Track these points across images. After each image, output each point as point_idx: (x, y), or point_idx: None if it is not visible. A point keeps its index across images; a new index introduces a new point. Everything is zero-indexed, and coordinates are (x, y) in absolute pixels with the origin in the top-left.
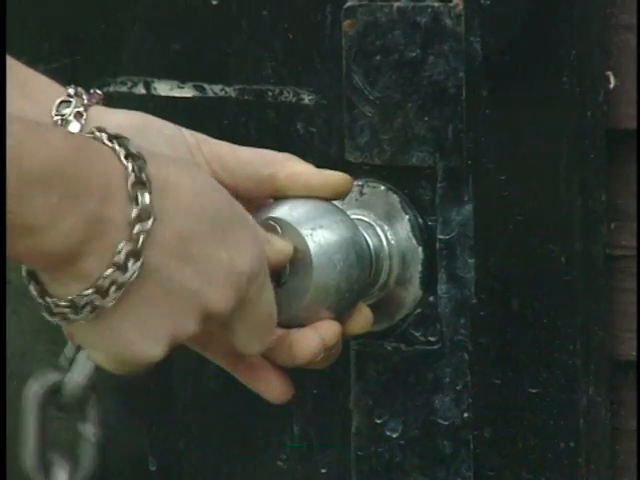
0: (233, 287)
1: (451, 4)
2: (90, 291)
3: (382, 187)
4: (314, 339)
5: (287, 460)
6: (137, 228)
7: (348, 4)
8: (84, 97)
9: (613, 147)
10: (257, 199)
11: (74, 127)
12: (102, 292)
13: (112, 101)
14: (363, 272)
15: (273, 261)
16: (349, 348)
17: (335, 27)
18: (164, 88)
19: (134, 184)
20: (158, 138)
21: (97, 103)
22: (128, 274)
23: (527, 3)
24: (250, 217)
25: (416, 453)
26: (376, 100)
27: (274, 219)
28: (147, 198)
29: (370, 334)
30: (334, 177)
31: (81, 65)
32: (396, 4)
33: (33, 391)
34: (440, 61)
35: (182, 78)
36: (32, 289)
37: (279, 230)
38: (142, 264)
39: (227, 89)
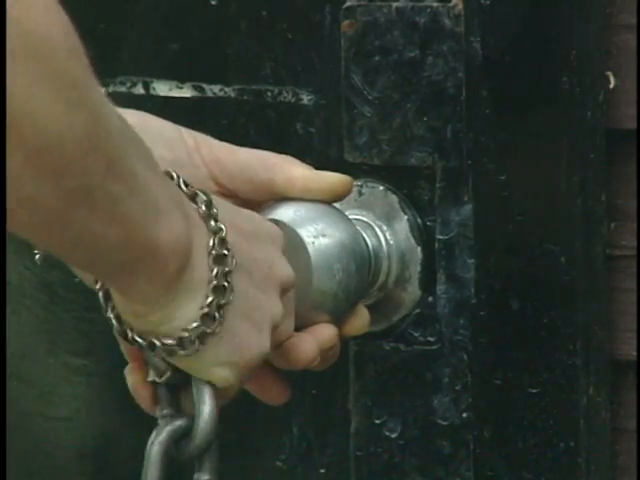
0: (274, 258)
1: (450, 4)
2: (208, 302)
3: (381, 187)
4: (310, 344)
5: (286, 460)
6: (212, 224)
7: (347, 4)
8: None
9: (613, 147)
10: (256, 202)
11: None
12: (219, 292)
13: (111, 101)
14: (362, 281)
15: None
16: (348, 348)
17: (334, 27)
18: (163, 88)
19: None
20: (157, 140)
21: None
22: (228, 265)
23: (527, 3)
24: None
25: (415, 453)
26: (375, 100)
27: (277, 221)
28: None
29: (369, 334)
30: (332, 180)
31: None
32: (395, 4)
33: (159, 439)
34: (439, 61)
35: (181, 78)
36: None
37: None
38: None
39: (226, 89)
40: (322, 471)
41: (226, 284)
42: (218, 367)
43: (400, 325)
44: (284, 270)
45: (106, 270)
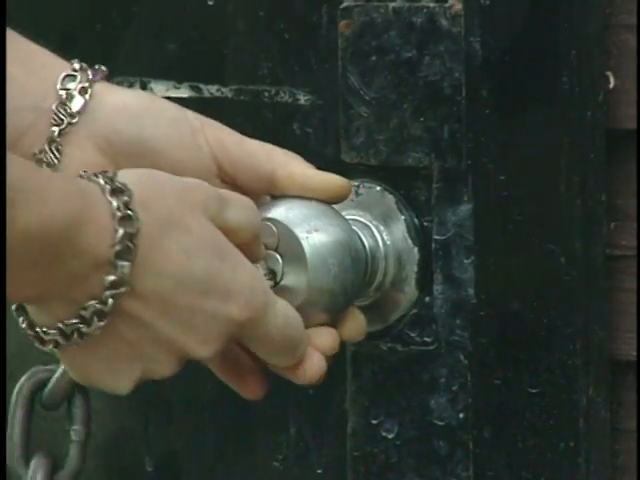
0: (216, 334)
1: (447, 4)
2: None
3: (378, 188)
4: (319, 363)
5: (283, 460)
6: (108, 293)
7: (344, 4)
8: (89, 72)
9: (613, 147)
10: (254, 193)
11: (78, 102)
12: (66, 335)
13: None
14: (358, 276)
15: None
16: (345, 348)
17: (331, 27)
18: (160, 88)
19: (118, 252)
20: (159, 119)
21: (102, 79)
22: (92, 328)
23: (527, 3)
24: (242, 257)
25: (412, 454)
26: (372, 100)
27: (271, 220)
28: (127, 269)
29: (366, 335)
30: (332, 181)
31: None
32: (392, 4)
33: (21, 386)
34: (436, 61)
35: (178, 78)
36: (21, 323)
37: (275, 230)
38: (105, 325)
39: (223, 89)
40: (319, 471)
41: (101, 323)
42: (69, 370)
43: (397, 325)
44: (192, 348)
45: None
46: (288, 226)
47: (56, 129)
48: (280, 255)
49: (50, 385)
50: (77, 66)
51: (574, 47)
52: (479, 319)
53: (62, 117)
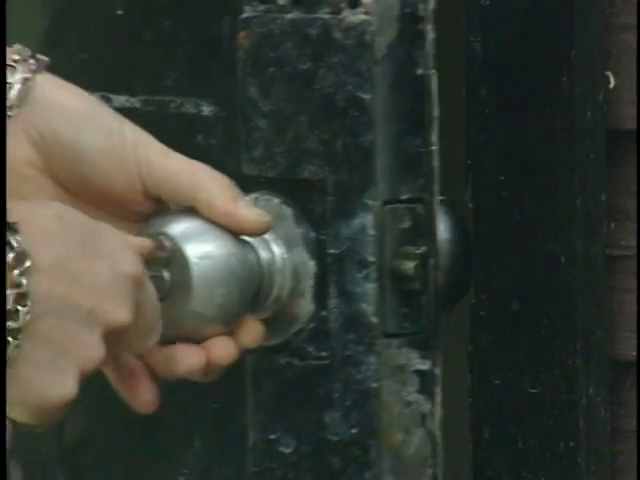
0: (124, 294)
1: (340, 16)
2: None
3: (276, 200)
4: (196, 354)
5: (189, 475)
6: (16, 272)
7: (244, 15)
8: (30, 62)
9: (613, 147)
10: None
11: (17, 94)
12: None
13: None
14: (243, 306)
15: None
16: (246, 362)
17: (233, 38)
18: None
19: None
20: (99, 129)
21: (43, 70)
22: (20, 321)
23: (527, 3)
24: (111, 227)
25: (308, 469)
26: (270, 113)
27: (165, 235)
28: (20, 242)
29: (266, 348)
30: (247, 224)
31: None
32: (288, 16)
33: None
34: (330, 74)
35: (89, 88)
36: None
37: (168, 248)
38: (31, 305)
39: (132, 100)
40: None
41: (10, 340)
42: (8, 405)
43: (295, 339)
44: (113, 313)
45: None
46: (182, 246)
47: None
48: (168, 273)
49: None
50: (17, 57)
51: (574, 47)
52: (479, 319)
53: None
